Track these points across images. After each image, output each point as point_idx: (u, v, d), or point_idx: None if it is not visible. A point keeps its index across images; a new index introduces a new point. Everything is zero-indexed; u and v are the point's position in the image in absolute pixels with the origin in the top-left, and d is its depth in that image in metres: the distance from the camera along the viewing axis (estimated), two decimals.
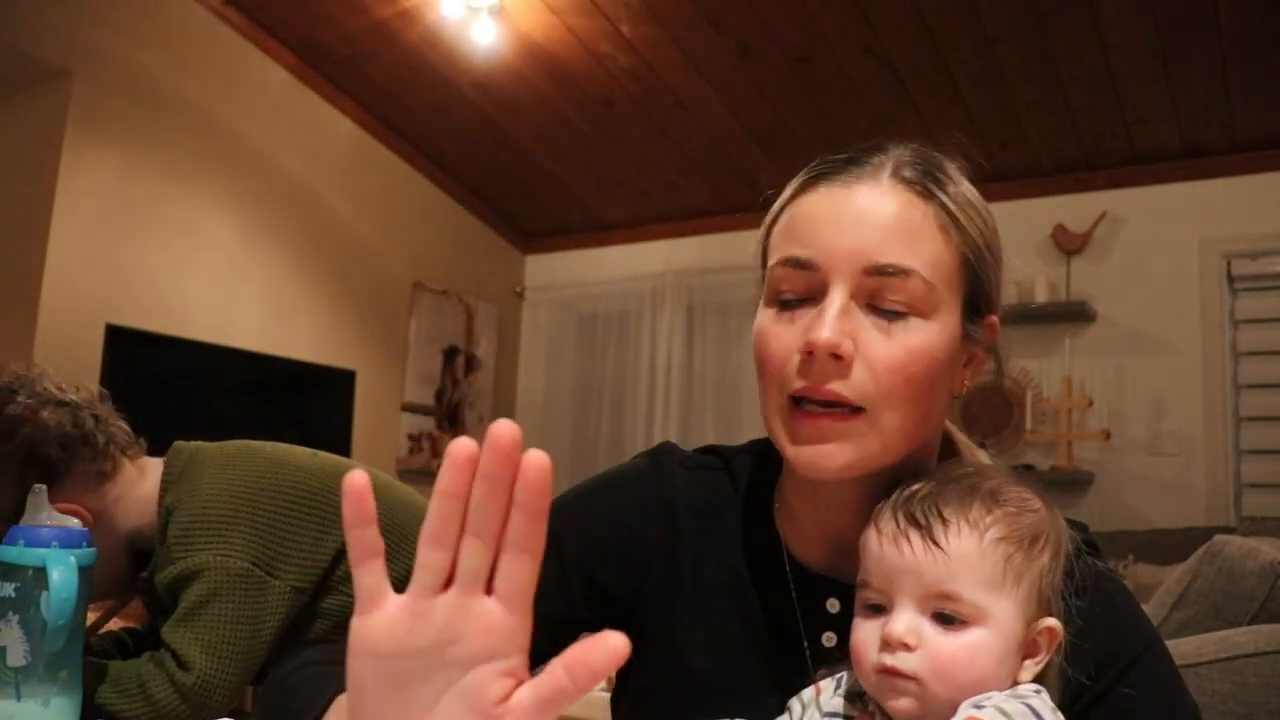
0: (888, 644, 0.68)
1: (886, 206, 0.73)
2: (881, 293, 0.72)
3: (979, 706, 0.67)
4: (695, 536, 0.86)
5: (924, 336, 0.72)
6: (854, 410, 0.72)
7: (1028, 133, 4.12)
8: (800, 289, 0.74)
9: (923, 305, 0.72)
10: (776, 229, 0.78)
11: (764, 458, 0.88)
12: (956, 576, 0.68)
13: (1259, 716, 1.18)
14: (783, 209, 0.79)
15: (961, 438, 0.85)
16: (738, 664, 0.82)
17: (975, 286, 0.76)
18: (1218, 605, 1.35)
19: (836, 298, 0.72)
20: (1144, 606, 0.82)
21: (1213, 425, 3.99)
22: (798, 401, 0.73)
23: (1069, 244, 4.26)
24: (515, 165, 5.03)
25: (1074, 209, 4.30)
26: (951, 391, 0.77)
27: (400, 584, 1.29)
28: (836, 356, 0.71)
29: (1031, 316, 4.28)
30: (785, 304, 0.75)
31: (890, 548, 0.70)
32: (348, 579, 1.22)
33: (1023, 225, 4.40)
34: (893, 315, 0.72)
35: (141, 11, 3.90)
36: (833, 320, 0.71)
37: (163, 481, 1.19)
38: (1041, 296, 4.23)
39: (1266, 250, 4.00)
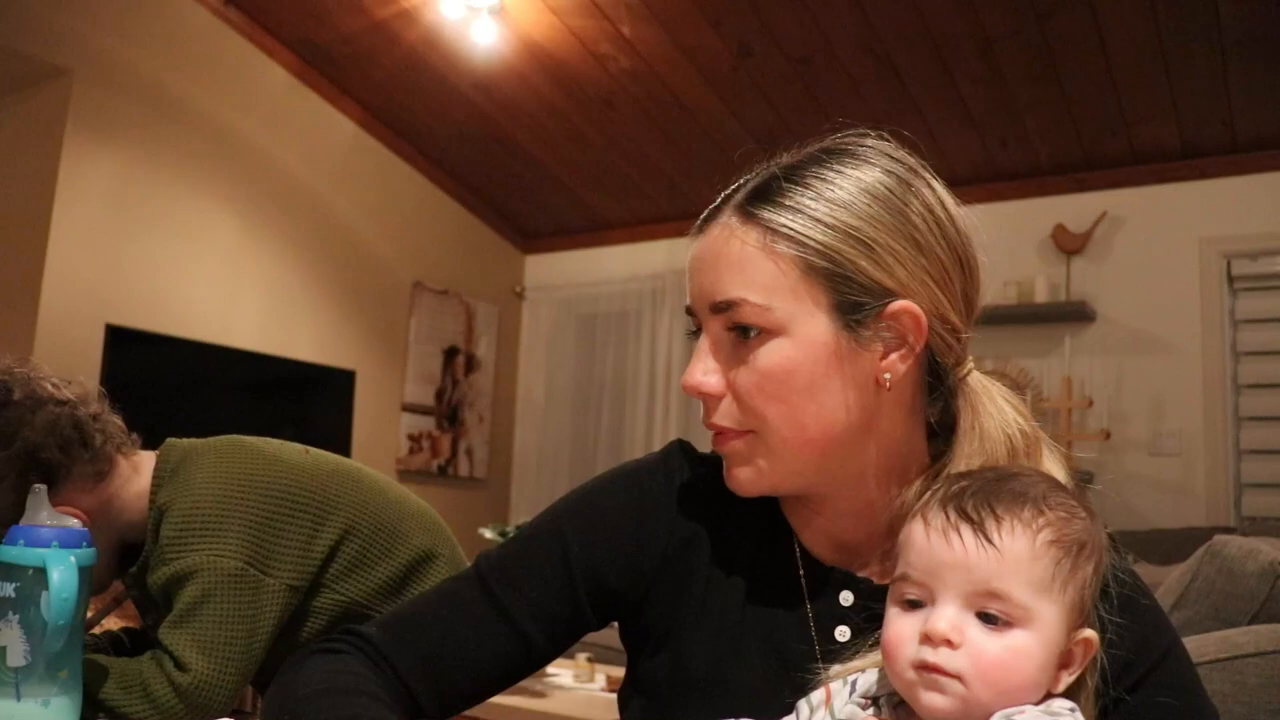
0: (929, 639, 0.66)
1: (714, 245, 0.78)
2: (734, 322, 0.77)
3: None
4: (705, 533, 0.86)
5: (781, 353, 0.75)
6: (742, 431, 0.78)
7: (1028, 133, 4.12)
8: (695, 326, 0.82)
9: (769, 325, 0.75)
10: None
11: None
12: (1007, 575, 0.67)
13: (1259, 716, 1.18)
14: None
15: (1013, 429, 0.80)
16: (748, 660, 0.81)
17: (842, 285, 0.75)
18: (1218, 605, 1.35)
19: (703, 341, 0.80)
20: None
21: (1213, 425, 3.99)
22: None
23: (1069, 244, 4.26)
24: (515, 165, 5.03)
25: (1074, 209, 4.30)
26: (877, 385, 0.76)
27: (393, 581, 1.29)
28: (707, 394, 0.78)
29: (1031, 316, 4.28)
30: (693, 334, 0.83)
31: (939, 541, 0.69)
32: (340, 577, 1.22)
33: (1023, 225, 4.40)
34: (750, 339, 0.76)
35: (142, 11, 3.90)
36: (698, 362, 0.79)
37: (154, 478, 1.18)
38: (1041, 296, 4.23)
39: (1266, 250, 4.00)
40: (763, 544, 0.85)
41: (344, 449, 4.58)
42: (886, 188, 0.78)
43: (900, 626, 0.69)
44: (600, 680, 2.76)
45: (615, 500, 0.87)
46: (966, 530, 0.68)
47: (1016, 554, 0.67)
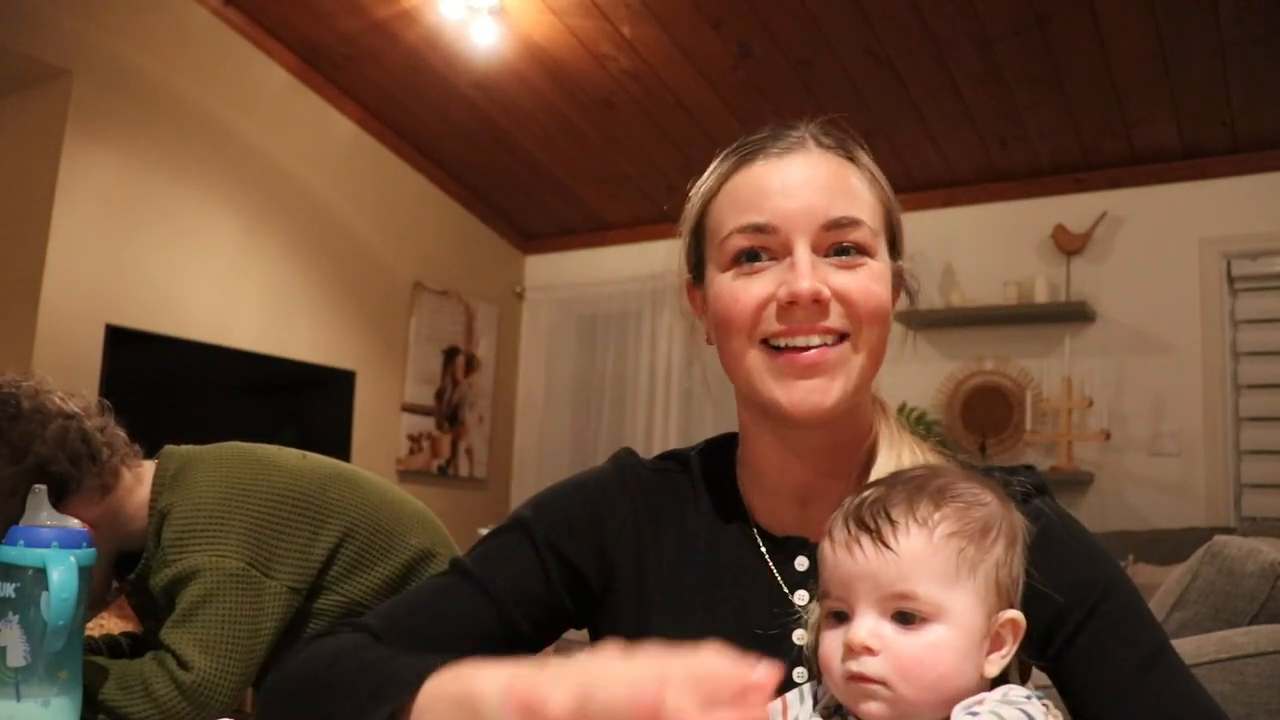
0: (851, 650, 0.68)
1: (826, 170, 0.83)
2: (837, 242, 0.81)
3: (973, 713, 0.66)
4: (662, 521, 0.90)
5: (874, 272, 0.82)
6: (839, 339, 0.81)
7: (1028, 133, 4.12)
8: (759, 250, 0.83)
9: (870, 247, 0.82)
10: (717, 204, 0.87)
11: (718, 445, 0.96)
12: (910, 575, 0.69)
13: (1259, 716, 1.18)
14: (719, 187, 0.87)
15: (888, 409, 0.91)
16: (715, 635, 0.82)
17: (894, 231, 0.87)
18: (1218, 605, 1.35)
19: (802, 252, 0.80)
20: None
21: (1213, 425, 3.99)
22: (777, 350, 0.81)
23: (1069, 244, 4.26)
24: (515, 165, 5.03)
25: (1074, 209, 4.30)
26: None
27: (393, 580, 1.31)
28: (816, 301, 0.79)
29: (1031, 316, 4.28)
30: (743, 266, 0.83)
31: (844, 555, 0.71)
32: (341, 579, 1.23)
33: (1023, 225, 4.40)
34: (850, 259, 0.82)
35: (142, 12, 3.90)
36: (809, 271, 0.80)
37: (154, 485, 1.19)
38: (1041, 296, 4.23)
39: (1266, 250, 4.00)
40: (718, 526, 0.89)
41: (344, 449, 4.58)
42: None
43: (829, 641, 0.72)
44: None
45: (571, 491, 0.93)
46: (865, 540, 0.71)
47: (915, 553, 0.69)
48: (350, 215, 4.79)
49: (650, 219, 5.23)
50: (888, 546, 0.69)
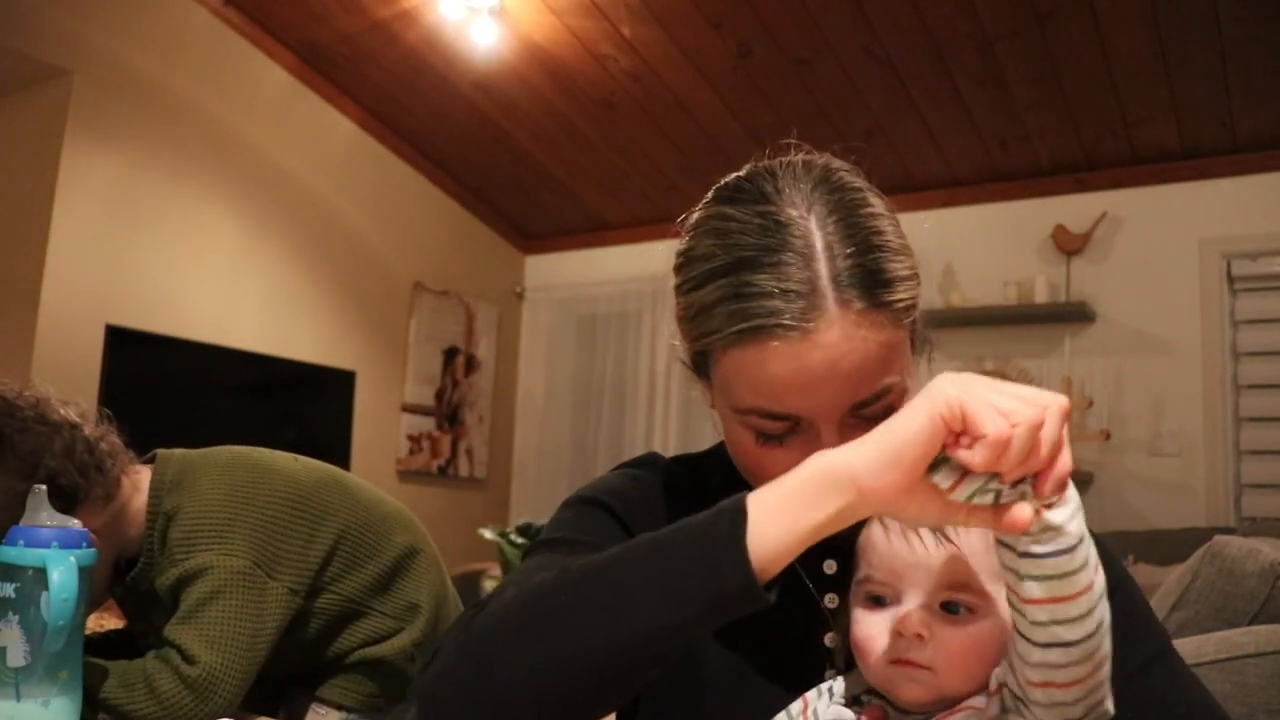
0: (901, 635, 0.70)
1: (852, 352, 0.71)
2: (880, 408, 0.74)
3: None
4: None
5: (896, 398, 0.76)
6: None
7: (1028, 133, 4.12)
8: (779, 430, 0.75)
9: (899, 391, 0.75)
10: (724, 356, 0.76)
11: None
12: (966, 570, 0.71)
13: (1259, 717, 1.18)
14: (724, 332, 0.75)
15: None
16: (743, 638, 0.82)
17: (915, 321, 0.78)
18: (1218, 605, 1.35)
19: (829, 436, 0.73)
20: None
21: (1213, 425, 3.99)
22: None
23: (1069, 244, 4.26)
24: (515, 165, 5.03)
25: (1074, 209, 4.30)
26: None
27: (383, 577, 1.31)
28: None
29: (1031, 317, 4.28)
30: (762, 439, 0.76)
31: (900, 543, 0.72)
32: (337, 578, 1.24)
33: (1023, 225, 4.40)
34: (875, 404, 0.74)
35: (142, 12, 3.90)
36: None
37: (153, 489, 1.20)
38: (1041, 297, 4.23)
39: (1266, 250, 3.99)
40: None
41: (344, 450, 4.58)
42: (890, 211, 0.80)
43: (869, 625, 0.73)
44: None
45: (615, 480, 0.91)
46: (926, 533, 0.71)
47: (973, 548, 0.71)
48: (350, 215, 4.79)
49: (650, 219, 5.23)
50: (950, 541, 0.71)
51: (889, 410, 0.72)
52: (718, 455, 0.92)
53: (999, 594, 0.70)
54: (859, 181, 0.79)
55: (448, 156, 5.09)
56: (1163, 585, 1.45)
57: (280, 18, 4.20)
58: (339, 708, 1.24)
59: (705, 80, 4.10)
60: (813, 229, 0.74)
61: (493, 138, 4.81)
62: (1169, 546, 3.32)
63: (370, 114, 4.79)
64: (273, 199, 4.41)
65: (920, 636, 0.69)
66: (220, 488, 1.19)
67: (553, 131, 4.67)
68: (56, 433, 1.11)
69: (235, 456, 1.25)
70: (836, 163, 0.81)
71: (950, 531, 0.71)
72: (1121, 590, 0.79)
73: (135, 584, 1.19)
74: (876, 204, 0.78)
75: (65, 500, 1.09)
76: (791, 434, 0.75)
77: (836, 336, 0.71)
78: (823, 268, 0.72)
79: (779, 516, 0.61)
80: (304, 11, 4.12)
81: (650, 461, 0.94)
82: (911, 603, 0.71)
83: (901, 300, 0.74)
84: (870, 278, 0.72)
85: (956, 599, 0.70)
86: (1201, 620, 1.35)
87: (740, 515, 0.62)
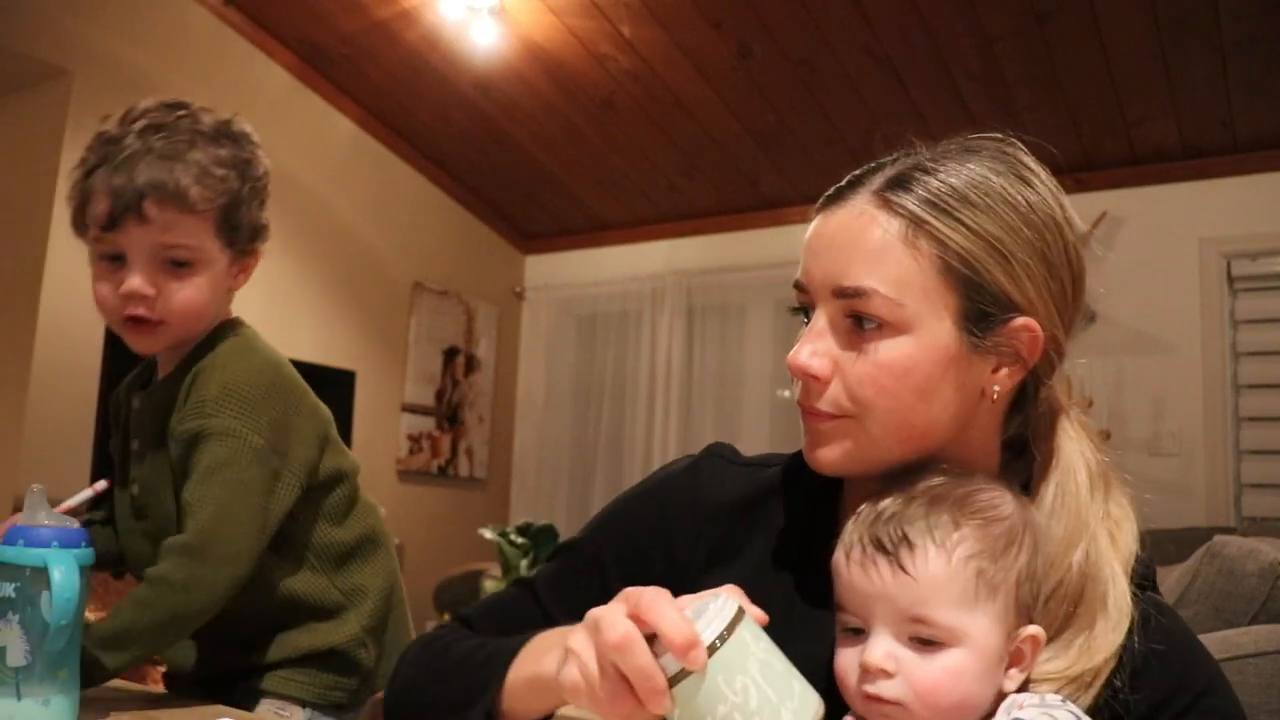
0: (867, 671, 0.67)
1: (848, 227, 0.75)
2: (856, 310, 0.74)
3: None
4: (738, 528, 0.87)
5: (900, 351, 0.73)
6: (838, 415, 0.76)
7: (1027, 133, 4.11)
8: (804, 307, 0.80)
9: (894, 321, 0.73)
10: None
11: None
12: (928, 600, 0.67)
13: (1259, 717, 1.18)
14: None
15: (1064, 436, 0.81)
16: (793, 655, 0.81)
17: (974, 293, 0.74)
18: (1218, 605, 1.35)
19: (817, 320, 0.77)
20: None
21: (1213, 425, 3.99)
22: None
23: None
24: (515, 165, 5.03)
25: (1074, 209, 4.28)
26: (981, 395, 0.77)
27: (342, 550, 1.36)
28: (814, 377, 0.75)
29: None
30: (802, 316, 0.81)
31: (859, 574, 0.69)
32: (310, 524, 1.26)
33: None
34: (866, 334, 0.74)
35: (141, 12, 3.90)
36: (807, 343, 0.76)
37: (219, 330, 1.26)
38: None
39: (1266, 250, 3.99)
40: (805, 533, 0.85)
41: None
42: (1029, 203, 0.78)
43: (845, 657, 0.70)
44: None
45: (642, 505, 0.91)
46: (882, 562, 0.68)
47: (933, 578, 0.67)
48: (350, 215, 4.79)
49: (650, 219, 5.22)
50: (905, 571, 0.67)
51: (880, 323, 0.73)
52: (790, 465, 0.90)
53: (970, 623, 0.67)
54: (1028, 174, 0.83)
55: (447, 156, 5.09)
56: (1163, 586, 1.45)
57: (280, 17, 4.20)
58: (301, 704, 1.23)
59: (705, 80, 4.10)
60: (889, 164, 0.79)
61: (493, 138, 4.81)
62: (1169, 546, 3.32)
63: (370, 114, 4.79)
64: (272, 198, 4.37)
65: (885, 672, 0.66)
66: (251, 366, 1.22)
67: (553, 131, 4.67)
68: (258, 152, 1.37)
69: (287, 365, 1.30)
70: (1029, 157, 0.87)
71: (907, 559, 0.68)
72: (1218, 692, 0.75)
73: (152, 397, 1.24)
74: (1022, 194, 0.79)
75: (249, 236, 1.30)
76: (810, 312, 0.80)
77: (848, 217, 0.76)
78: (878, 174, 0.78)
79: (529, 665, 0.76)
80: (304, 11, 4.12)
81: (703, 459, 0.94)
82: (880, 634, 0.68)
83: (929, 224, 0.73)
84: (901, 183, 0.75)
85: (923, 633, 0.67)
86: (1201, 620, 1.35)
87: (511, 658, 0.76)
